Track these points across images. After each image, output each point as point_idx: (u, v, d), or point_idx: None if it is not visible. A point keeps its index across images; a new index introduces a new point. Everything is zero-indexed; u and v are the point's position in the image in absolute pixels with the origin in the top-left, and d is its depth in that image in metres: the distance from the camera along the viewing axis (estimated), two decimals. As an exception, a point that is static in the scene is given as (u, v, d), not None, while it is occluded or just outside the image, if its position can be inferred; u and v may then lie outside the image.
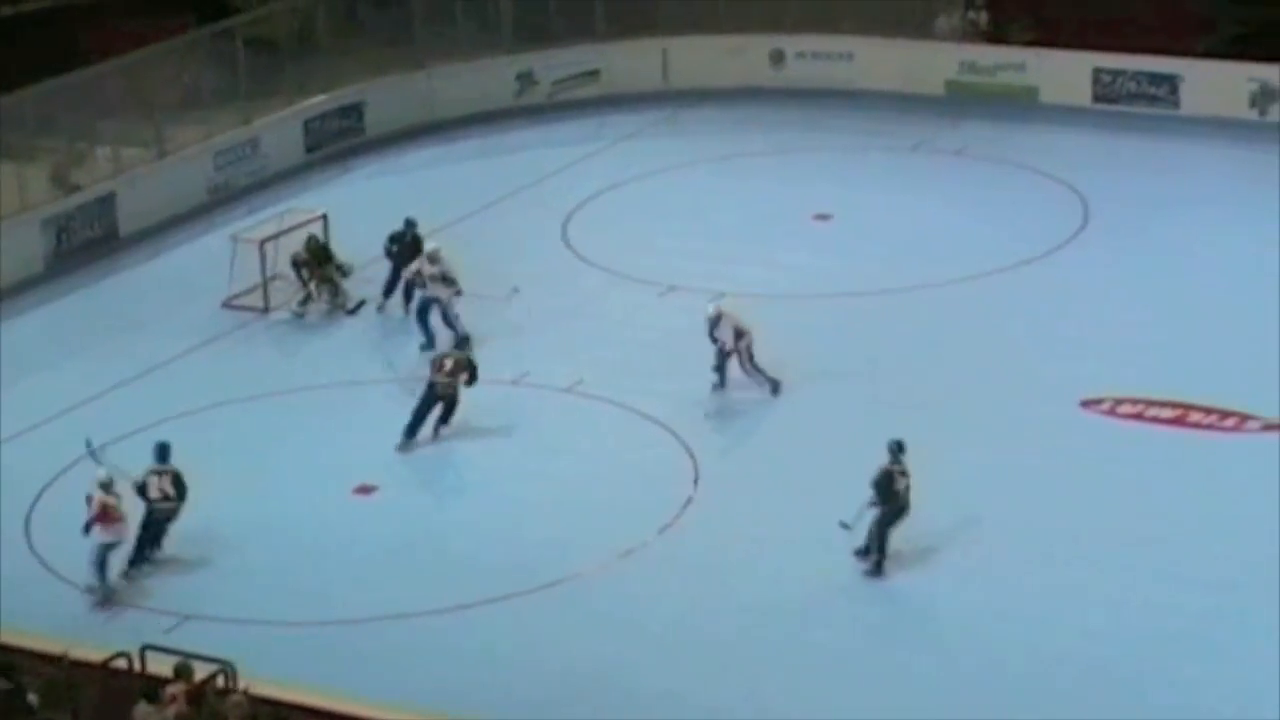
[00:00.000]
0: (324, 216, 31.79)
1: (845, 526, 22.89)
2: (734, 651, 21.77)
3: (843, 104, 39.50)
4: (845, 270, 31.43)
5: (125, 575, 23.39)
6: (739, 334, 27.18)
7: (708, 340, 27.43)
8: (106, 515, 23.05)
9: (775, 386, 27.23)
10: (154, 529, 23.70)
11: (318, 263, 30.84)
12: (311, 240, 31.06)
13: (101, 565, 23.10)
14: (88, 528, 23.09)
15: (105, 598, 22.98)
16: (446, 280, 29.35)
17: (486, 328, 29.15)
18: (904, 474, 23.05)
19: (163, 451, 23.98)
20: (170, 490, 23.66)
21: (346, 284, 30.90)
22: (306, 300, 30.82)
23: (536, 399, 27.81)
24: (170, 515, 23.73)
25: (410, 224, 30.82)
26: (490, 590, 22.90)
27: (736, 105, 39.80)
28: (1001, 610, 22.27)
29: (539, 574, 23.15)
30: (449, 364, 26.70)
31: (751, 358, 27.24)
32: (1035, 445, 25.67)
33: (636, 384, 27.68)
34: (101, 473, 23.36)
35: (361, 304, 30.80)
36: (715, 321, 27.29)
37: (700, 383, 27.49)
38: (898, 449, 23.12)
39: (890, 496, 22.93)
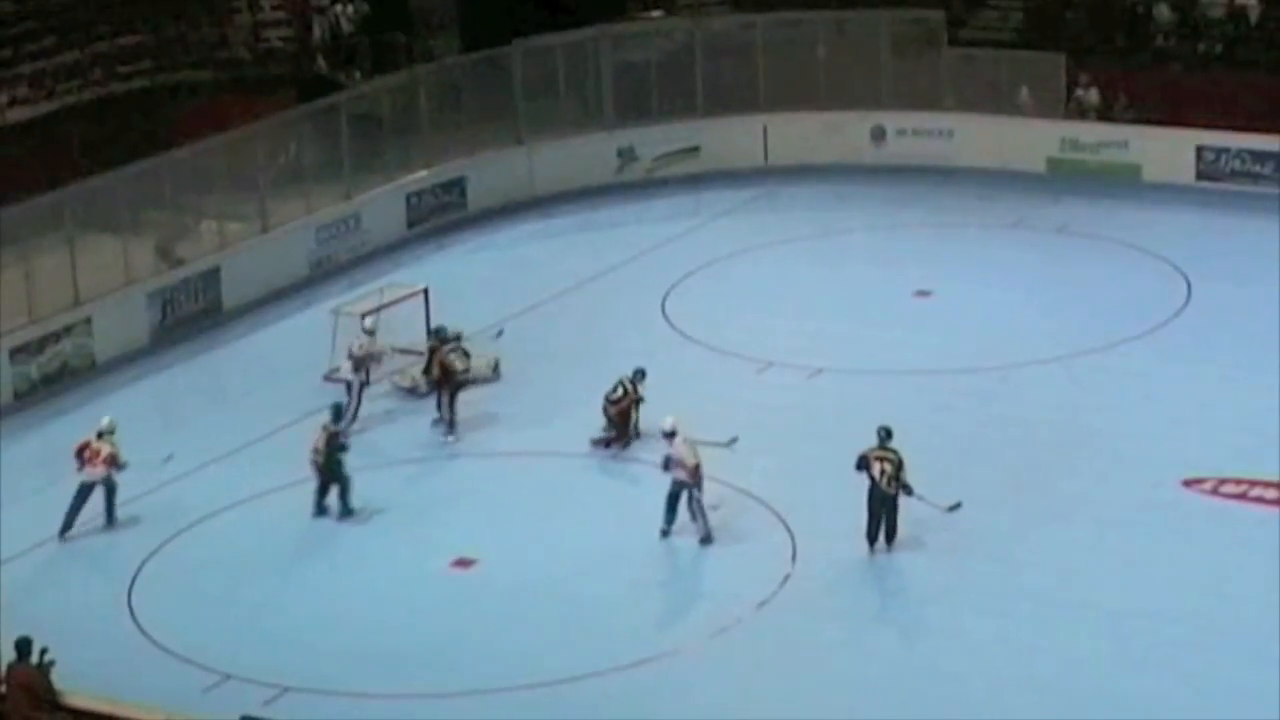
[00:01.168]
0: (425, 291, 32.04)
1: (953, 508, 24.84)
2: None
3: (942, 181, 39.54)
4: (946, 347, 31.38)
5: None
6: (695, 467, 25.40)
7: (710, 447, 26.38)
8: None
9: (708, 538, 25.53)
10: None
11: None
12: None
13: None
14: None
15: None
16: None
17: (580, 399, 29.24)
18: (884, 459, 24.58)
19: None
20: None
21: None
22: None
23: (634, 473, 27.88)
24: None
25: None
26: (586, 666, 22.93)
27: (835, 181, 39.90)
28: (1111, 689, 22.07)
29: (634, 649, 23.17)
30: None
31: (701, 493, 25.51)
32: (1136, 525, 25.54)
33: (734, 460, 27.69)
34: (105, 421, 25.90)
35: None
36: (671, 437, 25.57)
37: (795, 459, 27.46)
38: (885, 435, 24.75)
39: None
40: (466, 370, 29.96)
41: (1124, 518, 25.73)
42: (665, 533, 25.64)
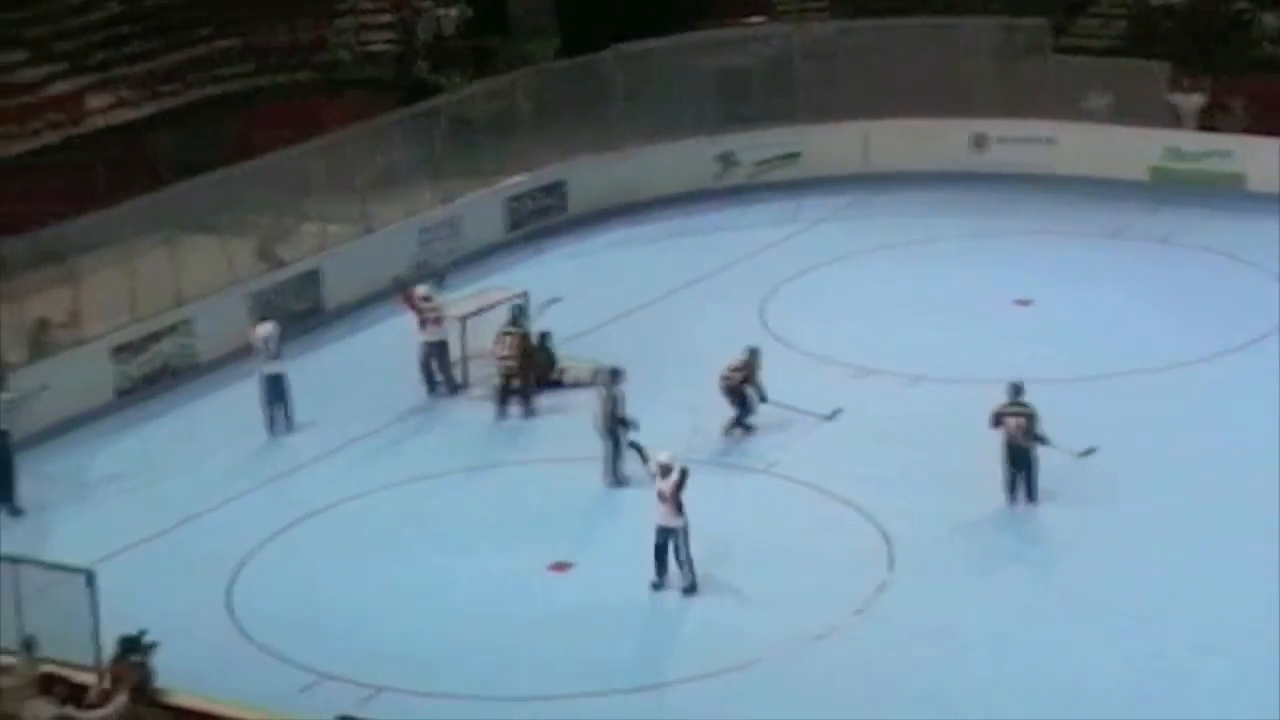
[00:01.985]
0: (524, 294, 32.13)
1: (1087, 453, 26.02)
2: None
3: (1044, 189, 39.31)
4: (1045, 356, 31.18)
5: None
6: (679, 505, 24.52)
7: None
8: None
9: (692, 588, 24.54)
10: None
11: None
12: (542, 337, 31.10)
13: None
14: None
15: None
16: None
17: (677, 404, 29.26)
18: (1017, 414, 25.52)
19: None
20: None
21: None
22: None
23: (731, 479, 27.86)
24: None
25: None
26: (682, 670, 22.98)
27: (935, 188, 39.75)
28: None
29: (730, 655, 23.14)
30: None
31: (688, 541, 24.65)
32: (1236, 544, 25.26)
33: (830, 466, 27.65)
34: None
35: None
36: (666, 473, 24.55)
37: (894, 466, 27.40)
38: (1016, 390, 25.88)
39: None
40: (561, 370, 30.19)
41: (1225, 532, 25.48)
42: (657, 585, 24.59)
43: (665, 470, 24.48)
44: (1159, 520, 25.93)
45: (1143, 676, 22.49)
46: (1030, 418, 26.00)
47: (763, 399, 28.89)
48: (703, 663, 23.04)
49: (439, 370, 31.00)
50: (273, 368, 30.13)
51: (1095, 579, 24.63)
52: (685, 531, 24.51)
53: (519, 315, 30.88)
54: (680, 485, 24.40)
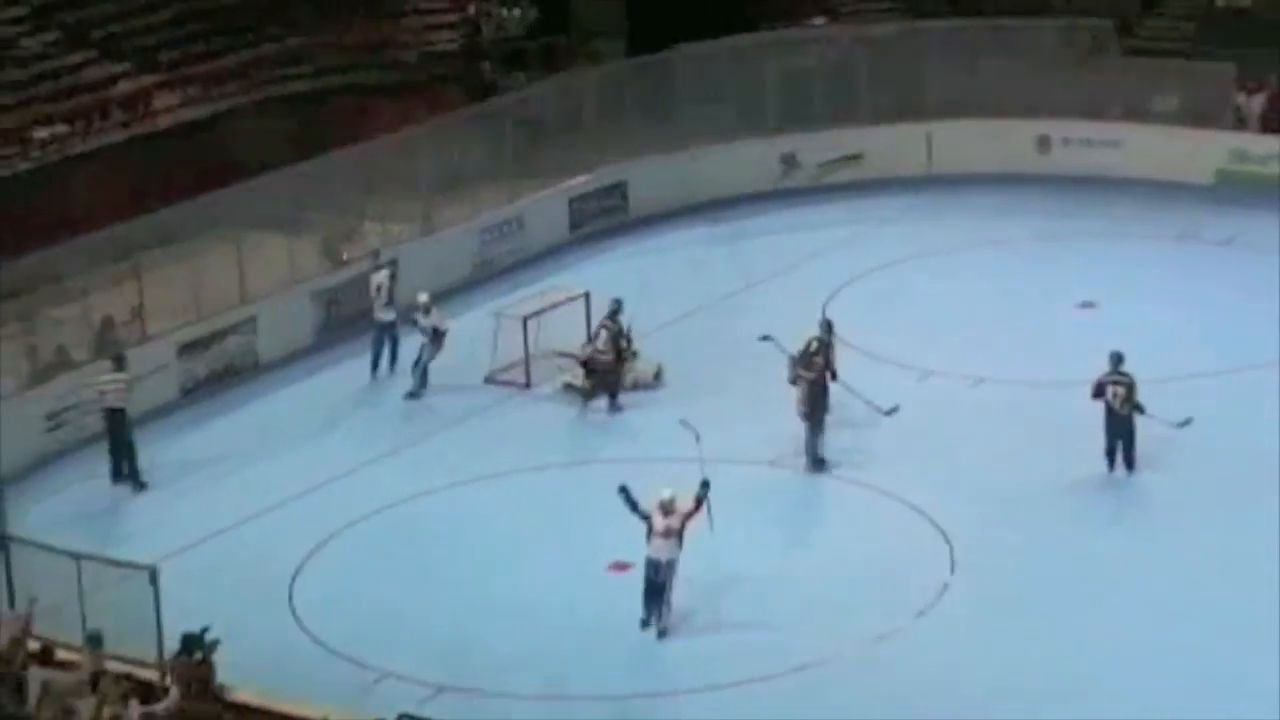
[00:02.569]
0: (586, 295, 32.17)
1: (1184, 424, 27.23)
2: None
3: (1108, 191, 39.14)
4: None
5: None
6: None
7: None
8: None
9: (665, 631, 23.72)
10: None
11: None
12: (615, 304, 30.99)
13: None
14: None
15: None
16: (436, 334, 31.00)
17: (738, 406, 29.22)
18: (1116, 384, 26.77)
19: None
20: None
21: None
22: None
23: (791, 480, 27.84)
24: None
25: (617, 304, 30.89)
26: (741, 672, 22.90)
27: (1000, 190, 39.62)
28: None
29: (790, 657, 23.11)
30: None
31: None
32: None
33: (892, 468, 27.60)
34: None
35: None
36: (667, 513, 23.70)
37: (956, 469, 27.33)
38: (1118, 360, 26.99)
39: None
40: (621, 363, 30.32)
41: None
42: (646, 623, 23.75)
43: (667, 509, 23.52)
44: (1227, 522, 25.87)
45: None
46: (1130, 387, 26.93)
47: (833, 376, 28.73)
48: (762, 665, 22.96)
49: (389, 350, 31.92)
50: (385, 314, 31.83)
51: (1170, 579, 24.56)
52: (672, 573, 23.63)
53: (618, 310, 30.69)
54: (692, 514, 23.62)
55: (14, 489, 26.62)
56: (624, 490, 23.84)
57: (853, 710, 22.22)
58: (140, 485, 28.36)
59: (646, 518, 23.61)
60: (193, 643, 20.79)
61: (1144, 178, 39.28)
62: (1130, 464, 27.22)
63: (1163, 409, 27.80)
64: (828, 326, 29.35)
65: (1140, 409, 27.08)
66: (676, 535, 23.61)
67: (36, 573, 22.31)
